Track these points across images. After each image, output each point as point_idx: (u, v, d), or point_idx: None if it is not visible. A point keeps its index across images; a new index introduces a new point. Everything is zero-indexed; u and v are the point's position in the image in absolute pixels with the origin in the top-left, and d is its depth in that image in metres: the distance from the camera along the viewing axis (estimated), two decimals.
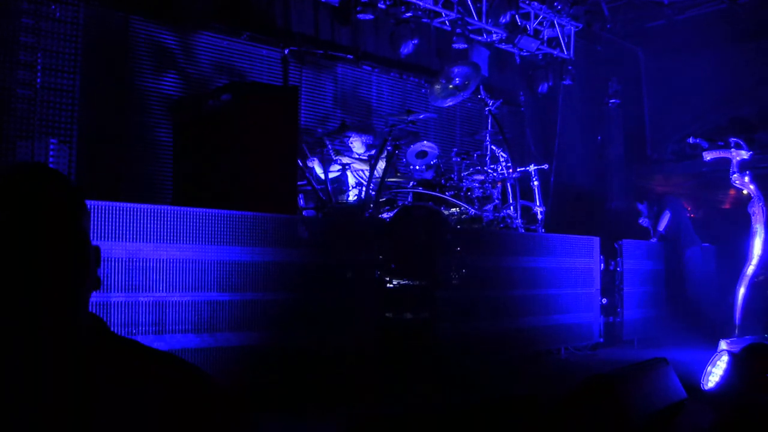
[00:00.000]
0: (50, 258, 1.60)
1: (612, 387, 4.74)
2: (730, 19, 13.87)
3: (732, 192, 12.07)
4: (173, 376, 1.72)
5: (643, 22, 15.04)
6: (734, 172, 9.13)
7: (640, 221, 12.45)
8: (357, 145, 10.17)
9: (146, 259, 6.10)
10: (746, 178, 9.08)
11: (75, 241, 1.66)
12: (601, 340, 10.30)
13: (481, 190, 10.16)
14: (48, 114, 6.42)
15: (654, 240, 11.97)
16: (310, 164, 9.73)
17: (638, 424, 4.73)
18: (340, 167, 9.88)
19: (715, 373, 6.24)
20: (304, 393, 6.66)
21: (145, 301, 6.08)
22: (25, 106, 6.28)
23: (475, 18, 12.41)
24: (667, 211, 11.98)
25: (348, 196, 9.73)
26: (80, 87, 6.72)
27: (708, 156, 9.43)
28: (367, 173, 9.60)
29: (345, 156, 10.04)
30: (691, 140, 10.04)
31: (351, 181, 9.81)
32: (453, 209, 9.81)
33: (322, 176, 9.67)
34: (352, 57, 11.66)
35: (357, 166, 9.84)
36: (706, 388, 6.26)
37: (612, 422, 4.64)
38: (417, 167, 10.06)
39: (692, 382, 6.04)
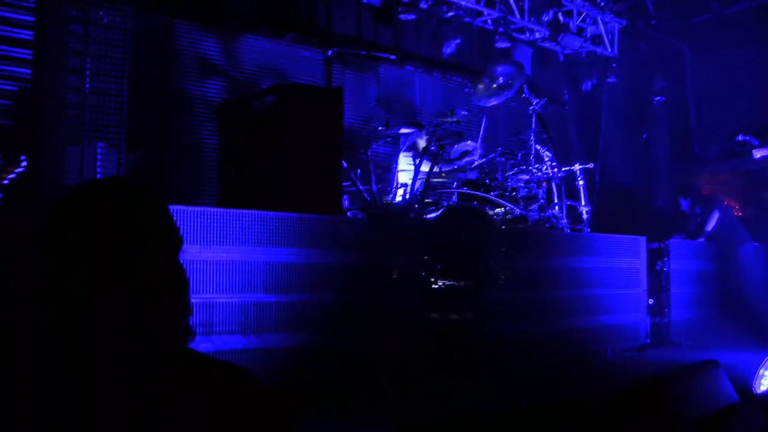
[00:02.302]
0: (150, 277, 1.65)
1: (661, 390, 4.69)
2: None
3: None
4: (225, 380, 1.73)
5: (689, 17, 14.84)
6: None
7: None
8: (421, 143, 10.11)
9: (193, 261, 6.13)
10: None
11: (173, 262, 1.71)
12: (648, 341, 10.17)
13: (526, 190, 10.10)
14: (97, 118, 6.49)
15: (702, 240, 11.79)
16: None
17: (688, 428, 4.67)
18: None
19: None
20: (350, 394, 6.66)
21: (193, 303, 6.11)
22: (74, 112, 6.34)
23: (518, 16, 12.36)
24: (716, 211, 11.78)
25: (393, 197, 9.71)
26: (127, 91, 6.77)
27: (758, 154, 9.31)
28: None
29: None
30: (740, 138, 9.93)
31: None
32: (498, 209, 9.75)
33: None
34: (394, 57, 11.65)
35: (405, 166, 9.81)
36: (758, 391, 6.16)
37: (660, 426, 4.59)
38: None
39: (744, 386, 5.95)
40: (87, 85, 6.17)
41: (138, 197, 1.69)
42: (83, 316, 1.56)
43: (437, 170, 9.81)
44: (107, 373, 1.56)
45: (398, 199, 9.65)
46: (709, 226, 11.66)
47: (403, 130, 10.15)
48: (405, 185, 9.67)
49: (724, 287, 11.47)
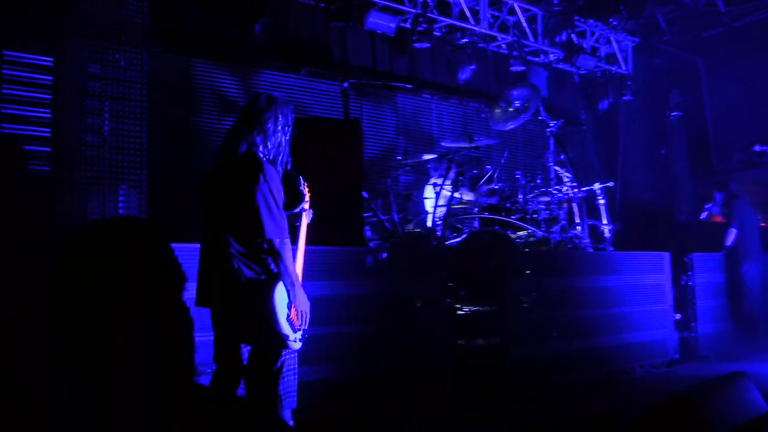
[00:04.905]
0: None
1: (691, 404, 4.70)
2: None
3: None
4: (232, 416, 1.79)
5: (701, 31, 14.87)
6: None
7: (707, 206, 12.15)
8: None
9: None
10: None
11: None
12: (677, 356, 10.10)
13: (547, 212, 10.10)
14: (117, 160, 6.54)
15: (723, 253, 11.65)
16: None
17: None
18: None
19: None
20: (379, 423, 6.69)
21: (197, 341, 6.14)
22: (94, 153, 6.41)
23: (532, 39, 12.43)
24: (733, 228, 11.57)
25: (413, 225, 9.75)
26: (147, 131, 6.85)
27: None
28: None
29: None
30: (757, 148, 9.91)
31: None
32: (520, 232, 9.76)
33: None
34: (411, 86, 11.75)
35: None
36: None
37: None
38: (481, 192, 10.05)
39: None
40: (106, 127, 6.25)
41: (140, 237, 1.75)
42: (87, 347, 1.61)
43: (458, 197, 9.85)
44: (115, 404, 1.62)
45: (418, 227, 9.69)
46: (728, 241, 11.48)
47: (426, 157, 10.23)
48: (427, 213, 9.72)
49: (733, 299, 11.34)
